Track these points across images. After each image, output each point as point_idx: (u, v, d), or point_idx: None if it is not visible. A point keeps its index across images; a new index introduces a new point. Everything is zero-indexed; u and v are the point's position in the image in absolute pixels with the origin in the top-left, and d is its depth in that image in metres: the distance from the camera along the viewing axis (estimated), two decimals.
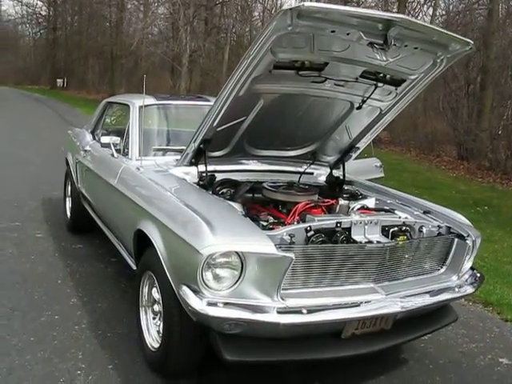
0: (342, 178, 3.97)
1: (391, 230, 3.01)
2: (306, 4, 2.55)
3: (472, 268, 3.36)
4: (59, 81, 42.82)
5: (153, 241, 2.91)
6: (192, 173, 3.54)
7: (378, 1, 22.30)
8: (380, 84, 3.33)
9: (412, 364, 3.53)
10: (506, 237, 6.98)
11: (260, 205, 3.44)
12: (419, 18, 20.22)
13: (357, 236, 2.88)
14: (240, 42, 30.13)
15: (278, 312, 2.51)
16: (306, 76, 3.11)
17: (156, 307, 3.13)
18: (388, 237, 2.99)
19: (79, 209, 5.37)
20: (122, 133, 4.37)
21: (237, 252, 2.49)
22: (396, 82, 3.37)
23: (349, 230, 2.88)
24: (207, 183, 3.41)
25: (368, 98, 3.44)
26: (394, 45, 2.89)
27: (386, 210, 3.40)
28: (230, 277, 2.52)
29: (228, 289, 2.53)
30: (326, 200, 3.37)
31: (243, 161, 3.88)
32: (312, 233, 2.75)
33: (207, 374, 3.14)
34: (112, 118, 5.39)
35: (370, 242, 2.86)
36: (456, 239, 3.19)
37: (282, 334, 2.59)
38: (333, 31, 2.78)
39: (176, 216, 2.86)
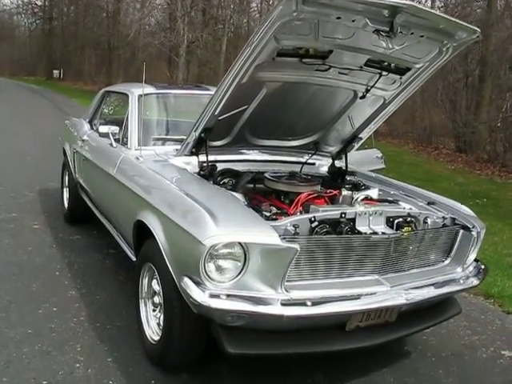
0: (344, 168, 3.91)
1: (396, 221, 2.96)
2: None
3: (476, 260, 3.32)
4: (55, 72, 42.50)
5: (153, 231, 2.85)
6: (192, 163, 3.48)
7: None
8: (384, 73, 3.27)
9: (415, 356, 3.50)
10: (506, 229, 6.95)
11: (262, 195, 3.39)
12: None
13: (361, 227, 2.83)
14: (238, 33, 29.98)
15: (282, 304, 2.46)
16: (310, 64, 3.05)
17: (156, 299, 3.07)
18: (393, 228, 2.94)
19: (77, 199, 5.31)
20: (120, 122, 4.30)
21: (240, 243, 2.43)
22: (401, 71, 3.31)
23: (353, 220, 2.83)
24: (208, 173, 3.34)
25: (372, 87, 3.38)
26: (400, 32, 2.83)
27: (390, 201, 3.35)
28: (232, 268, 2.47)
29: (231, 280, 2.47)
30: (329, 190, 3.31)
31: (244, 150, 3.82)
32: (316, 223, 2.70)
33: (208, 366, 3.10)
34: (110, 107, 5.31)
35: (375, 233, 2.82)
36: (461, 230, 3.15)
37: (285, 326, 2.54)
38: (338, 18, 2.71)
39: (177, 206, 2.80)
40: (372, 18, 2.74)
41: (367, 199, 3.24)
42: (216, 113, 3.12)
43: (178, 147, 3.62)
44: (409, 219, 3.02)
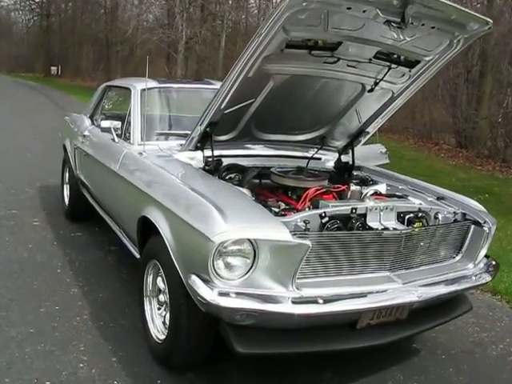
0: (350, 163, 3.84)
1: (407, 217, 2.90)
2: None
3: (486, 256, 3.26)
4: (53, 68, 42.26)
5: (159, 228, 2.78)
6: (197, 158, 3.41)
7: None
8: (394, 65, 3.20)
9: (424, 354, 3.44)
10: (509, 224, 6.90)
11: (268, 191, 3.32)
12: None
13: (372, 223, 2.77)
14: (236, 28, 29.90)
15: (293, 302, 2.39)
16: (319, 56, 2.98)
17: (161, 297, 3.00)
18: (404, 223, 2.88)
19: (78, 196, 5.24)
20: (122, 117, 4.23)
21: (249, 239, 2.36)
22: (410, 64, 3.24)
23: (364, 216, 2.76)
24: (214, 168, 3.27)
25: (381, 80, 3.31)
26: (412, 23, 2.77)
27: (399, 196, 3.28)
28: (242, 265, 2.40)
29: (240, 278, 2.41)
30: (337, 186, 3.25)
31: (249, 145, 3.75)
32: (327, 219, 2.63)
33: (215, 365, 3.03)
34: (112, 102, 5.24)
35: (386, 228, 2.75)
36: (472, 226, 3.09)
37: (296, 325, 2.46)
38: (349, 8, 2.64)
39: (184, 202, 2.72)
40: (383, 9, 2.68)
41: (376, 194, 3.18)
42: (222, 106, 3.05)
43: (182, 142, 3.56)
44: (420, 215, 2.96)
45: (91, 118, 5.19)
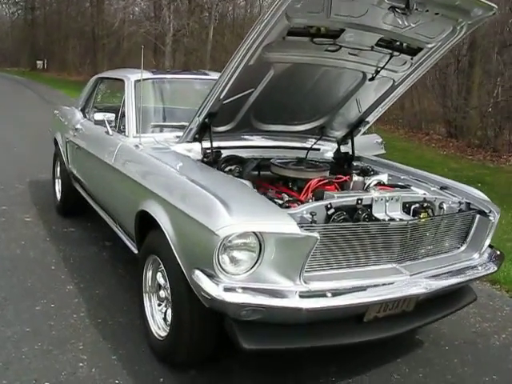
0: (350, 153, 3.78)
1: (412, 207, 2.84)
2: None
3: (490, 246, 3.22)
4: (39, 62, 41.70)
5: (159, 222, 2.69)
6: (195, 149, 3.33)
7: None
8: (396, 53, 3.13)
9: (428, 346, 3.41)
10: (503, 213, 6.84)
11: (268, 182, 3.25)
12: None
13: (378, 213, 2.71)
14: (223, 20, 29.67)
15: (301, 296, 2.33)
16: (320, 44, 2.90)
17: (162, 293, 2.93)
18: (409, 214, 2.82)
19: (70, 191, 5.14)
20: (115, 110, 4.13)
21: (255, 232, 2.29)
22: (412, 51, 3.18)
23: (369, 207, 2.70)
24: (213, 160, 3.19)
25: (382, 68, 3.24)
26: (416, 9, 2.70)
27: (402, 186, 3.23)
28: (247, 259, 2.32)
29: (245, 272, 2.33)
30: (339, 176, 3.18)
31: (246, 136, 3.67)
32: (332, 211, 2.56)
33: (217, 361, 2.96)
34: (104, 94, 5.12)
35: (393, 219, 2.69)
36: (477, 215, 3.04)
37: (303, 319, 2.40)
38: None
39: (186, 195, 2.64)
40: None
41: (380, 184, 3.12)
42: (221, 97, 2.97)
43: (178, 134, 3.49)
44: (425, 205, 2.90)
45: (83, 110, 5.08)
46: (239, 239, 2.29)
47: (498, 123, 12.71)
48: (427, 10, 2.78)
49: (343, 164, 3.73)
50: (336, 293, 2.38)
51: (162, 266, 2.86)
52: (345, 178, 3.18)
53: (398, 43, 3.07)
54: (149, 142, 3.50)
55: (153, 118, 3.92)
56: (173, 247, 2.58)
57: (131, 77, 4.01)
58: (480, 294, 4.28)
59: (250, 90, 3.10)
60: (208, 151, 3.26)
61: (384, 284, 2.54)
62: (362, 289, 2.47)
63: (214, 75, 4.39)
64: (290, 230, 2.29)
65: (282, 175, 3.22)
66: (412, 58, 3.24)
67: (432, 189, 3.25)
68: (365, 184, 3.11)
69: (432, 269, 2.78)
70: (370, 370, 3.05)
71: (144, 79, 3.83)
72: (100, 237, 4.87)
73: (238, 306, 2.27)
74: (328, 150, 3.94)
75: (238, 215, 2.31)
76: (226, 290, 2.27)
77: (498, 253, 3.21)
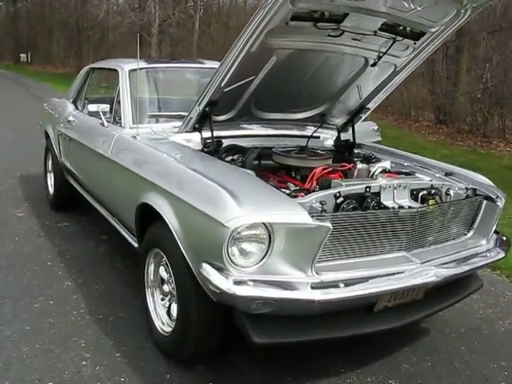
0: (351, 141, 3.71)
1: (420, 194, 2.79)
2: None
3: (496, 231, 3.18)
4: (23, 55, 41.13)
5: (163, 215, 2.61)
6: (194, 140, 3.25)
7: None
8: (399, 38, 3.06)
9: (434, 334, 3.38)
10: None
11: (270, 171, 3.18)
12: None
13: (386, 201, 2.66)
14: (209, 10, 29.43)
15: (312, 287, 2.27)
16: (323, 29, 2.82)
17: (166, 287, 2.85)
18: (417, 201, 2.77)
19: (63, 184, 5.04)
20: (108, 101, 4.02)
21: (264, 223, 2.22)
22: (415, 36, 3.11)
23: (378, 194, 2.65)
24: (214, 150, 3.11)
25: (385, 53, 3.17)
26: None
27: (406, 173, 3.17)
28: (257, 251, 2.25)
29: (255, 264, 2.27)
30: (343, 164, 3.12)
31: (245, 125, 3.59)
32: (341, 199, 2.50)
33: (225, 355, 2.90)
34: (96, 85, 5.00)
35: (402, 207, 2.64)
36: (485, 201, 3.00)
37: (315, 311, 2.34)
38: None
39: (191, 186, 2.56)
40: None
41: (385, 172, 3.06)
42: (222, 84, 2.88)
43: (175, 124, 3.41)
44: (433, 191, 2.85)
45: (74, 102, 4.95)
46: (248, 230, 2.22)
47: (487, 109, 12.72)
48: None
49: (344, 152, 3.67)
50: (349, 283, 2.33)
51: (164, 259, 2.79)
52: (349, 165, 3.11)
53: (401, 27, 3.00)
54: (146, 132, 3.41)
55: (149, 108, 3.82)
56: (178, 240, 2.50)
57: (125, 67, 3.91)
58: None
59: (251, 78, 3.02)
60: (208, 141, 3.17)
61: (396, 273, 2.49)
62: (375, 278, 2.42)
63: (210, 64, 4.30)
64: (301, 220, 2.23)
65: (285, 164, 3.15)
66: (415, 43, 3.17)
67: (437, 175, 3.20)
68: (370, 171, 3.05)
69: (441, 256, 2.74)
70: (378, 360, 3.02)
71: (138, 69, 3.73)
72: (96, 231, 4.78)
73: (248, 299, 2.20)
74: (328, 137, 3.88)
75: (247, 206, 2.24)
76: (236, 283, 2.21)
77: (504, 238, 3.16)
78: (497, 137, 12.25)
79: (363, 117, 3.77)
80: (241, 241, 2.23)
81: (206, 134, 3.23)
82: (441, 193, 2.92)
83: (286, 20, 2.65)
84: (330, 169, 3.01)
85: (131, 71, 3.80)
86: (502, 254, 3.02)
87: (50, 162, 5.46)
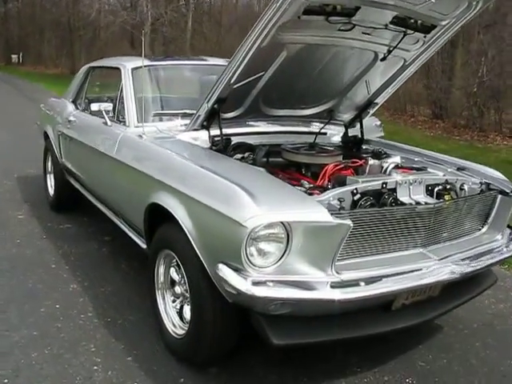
0: (359, 136, 3.66)
1: (436, 190, 2.74)
2: None
3: (509, 226, 3.14)
4: (14, 56, 40.70)
5: (175, 215, 2.54)
6: (201, 138, 3.18)
7: None
8: (410, 31, 3.01)
9: (447, 330, 3.34)
10: None
11: (279, 169, 3.12)
12: None
13: (402, 197, 2.60)
14: (200, 8, 29.29)
15: (332, 287, 2.21)
16: (335, 23, 2.76)
17: (177, 289, 2.79)
18: (432, 196, 2.72)
19: (63, 185, 4.96)
20: (111, 100, 3.95)
21: (282, 222, 2.16)
22: (425, 29, 3.06)
23: (394, 190, 2.60)
24: (222, 148, 3.05)
25: (395, 47, 3.12)
26: None
27: (418, 169, 3.12)
28: (275, 251, 2.20)
29: (273, 264, 2.21)
30: (355, 160, 3.07)
31: (251, 122, 3.53)
32: (358, 196, 2.45)
33: (238, 357, 2.84)
34: (97, 84, 4.92)
35: (418, 203, 2.59)
36: (499, 196, 2.95)
37: (335, 310, 2.28)
38: None
39: (204, 185, 2.49)
40: None
41: (398, 167, 3.01)
42: (232, 81, 2.82)
43: (181, 122, 3.35)
44: (448, 187, 2.81)
45: (74, 102, 4.87)
46: (266, 230, 2.16)
47: (483, 103, 12.72)
48: None
49: (352, 148, 3.62)
50: (369, 281, 2.28)
51: (175, 260, 2.73)
52: (361, 161, 3.06)
53: (412, 21, 2.95)
54: (151, 131, 3.34)
55: (152, 106, 3.74)
56: (192, 241, 2.43)
57: (127, 65, 3.84)
58: None
59: (260, 74, 2.96)
60: (216, 139, 3.11)
61: (415, 270, 2.44)
62: (395, 276, 2.37)
63: (213, 60, 4.24)
64: (321, 218, 2.17)
65: (295, 161, 3.10)
66: (425, 36, 3.12)
67: (449, 170, 3.15)
68: (382, 167, 2.99)
69: (458, 252, 2.70)
70: (393, 358, 2.97)
71: (140, 67, 3.67)
72: (98, 232, 4.71)
73: (267, 300, 2.15)
74: (334, 133, 3.83)
75: (265, 204, 2.18)
76: (255, 283, 2.15)
77: None
78: (493, 130, 12.25)
79: (371, 112, 3.72)
80: (258, 240, 2.17)
81: (213, 131, 3.17)
82: (455, 188, 2.87)
83: (299, 14, 2.59)
84: (342, 165, 2.95)
85: (134, 69, 3.74)
86: None
87: (49, 163, 5.37)
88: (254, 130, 3.49)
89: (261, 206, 2.16)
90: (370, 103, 3.63)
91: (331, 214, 2.21)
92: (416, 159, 3.36)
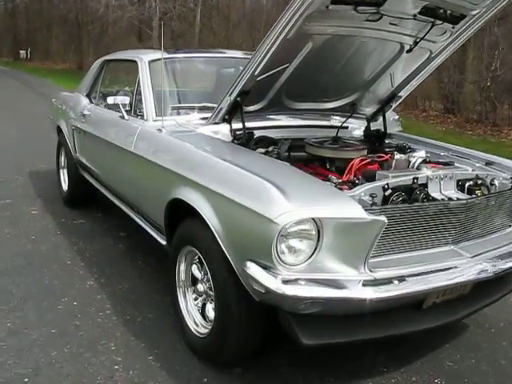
0: (382, 130, 3.57)
1: (467, 185, 2.65)
2: None
3: None
4: (22, 52, 40.85)
5: (200, 212, 2.46)
6: (222, 131, 3.10)
7: None
8: (438, 21, 2.91)
9: (473, 329, 3.25)
10: None
11: (302, 163, 3.04)
12: None
13: (433, 193, 2.52)
14: (208, 2, 29.15)
15: (364, 285, 2.14)
16: (363, 13, 2.67)
17: (200, 287, 2.72)
18: (463, 192, 2.64)
19: (77, 180, 4.90)
20: (127, 93, 3.88)
21: (313, 218, 2.08)
22: (454, 20, 2.96)
23: (425, 186, 2.51)
24: (245, 142, 2.97)
25: (422, 38, 3.02)
26: None
27: (445, 164, 3.03)
28: (306, 248, 2.12)
29: (304, 262, 2.13)
30: (381, 155, 2.98)
31: (272, 116, 3.45)
32: (390, 191, 2.36)
33: (263, 357, 2.76)
34: (112, 77, 4.85)
35: (450, 198, 2.50)
36: None
37: (367, 310, 2.20)
38: None
39: (231, 180, 2.40)
40: None
41: (426, 162, 2.91)
42: (256, 73, 2.74)
43: (200, 115, 3.28)
44: (479, 182, 2.72)
45: (88, 96, 4.81)
46: (297, 226, 2.08)
47: (497, 97, 12.56)
48: None
49: (374, 142, 3.53)
50: (402, 280, 2.19)
51: (198, 257, 2.66)
52: (386, 156, 2.97)
53: (441, 10, 2.85)
54: (170, 125, 3.26)
55: (170, 99, 3.66)
56: (218, 238, 2.35)
57: (144, 57, 3.76)
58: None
59: (284, 66, 2.87)
60: (238, 132, 3.03)
61: (449, 268, 2.36)
62: (428, 274, 2.29)
63: (231, 53, 4.16)
64: (355, 214, 2.09)
65: (319, 155, 3.01)
66: (453, 27, 3.02)
67: (477, 165, 3.06)
68: (409, 162, 2.90)
69: (490, 250, 2.61)
70: (420, 358, 2.90)
71: (157, 59, 3.60)
72: (113, 228, 4.66)
73: (297, 299, 2.07)
74: (356, 127, 3.74)
75: (296, 200, 2.09)
76: (285, 282, 2.07)
77: None
78: (507, 125, 12.07)
79: (394, 105, 3.64)
80: (289, 237, 2.09)
81: (235, 125, 3.09)
82: (486, 183, 2.78)
83: (327, 3, 2.51)
84: (369, 160, 2.86)
85: (151, 62, 3.67)
86: None
87: (63, 158, 5.32)
88: (275, 123, 3.41)
89: (292, 202, 2.07)
90: (393, 96, 3.54)
91: (366, 210, 2.13)
92: (442, 154, 3.27)
